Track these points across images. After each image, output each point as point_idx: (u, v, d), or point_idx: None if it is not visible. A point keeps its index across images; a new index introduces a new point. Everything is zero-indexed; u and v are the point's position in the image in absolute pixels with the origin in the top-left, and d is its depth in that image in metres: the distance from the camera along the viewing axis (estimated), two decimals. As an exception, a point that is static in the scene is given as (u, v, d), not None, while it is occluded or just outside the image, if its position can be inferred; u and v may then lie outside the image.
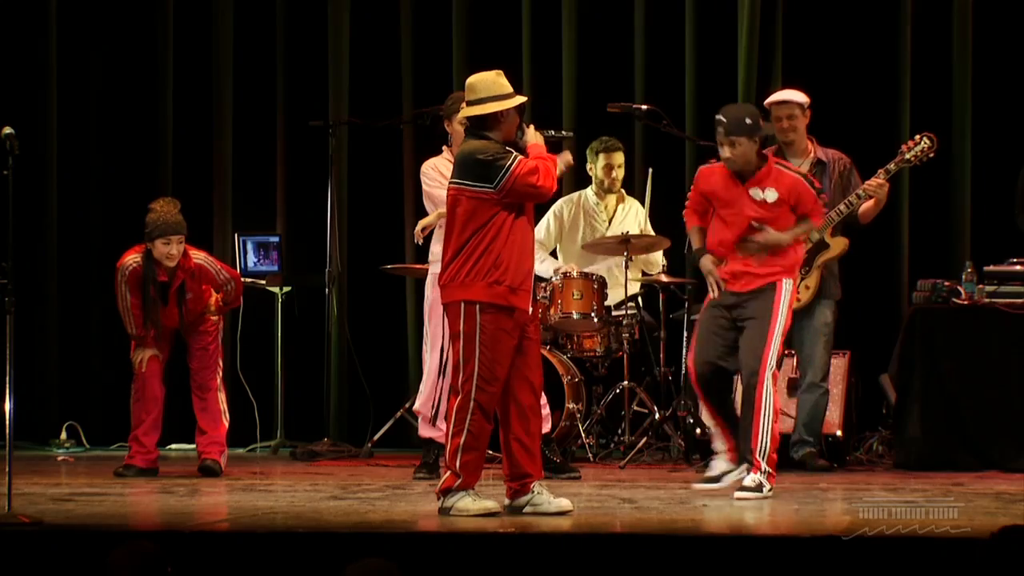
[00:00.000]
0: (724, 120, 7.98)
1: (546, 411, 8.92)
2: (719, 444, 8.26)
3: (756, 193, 8.01)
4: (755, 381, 7.85)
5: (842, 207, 9.22)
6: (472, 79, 7.25)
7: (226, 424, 9.34)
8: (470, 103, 7.19)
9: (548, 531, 6.74)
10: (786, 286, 8.02)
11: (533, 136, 7.23)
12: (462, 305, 7.01)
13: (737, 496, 7.73)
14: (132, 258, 9.12)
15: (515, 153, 7.06)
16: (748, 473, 7.84)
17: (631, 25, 11.09)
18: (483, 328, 6.99)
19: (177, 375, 9.53)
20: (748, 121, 7.96)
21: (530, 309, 7.08)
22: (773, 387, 7.88)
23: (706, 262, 8.14)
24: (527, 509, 7.13)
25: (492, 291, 7.00)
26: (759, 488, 7.74)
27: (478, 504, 7.04)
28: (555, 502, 7.13)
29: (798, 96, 9.39)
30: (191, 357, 9.31)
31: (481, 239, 7.01)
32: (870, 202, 9.24)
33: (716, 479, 8.12)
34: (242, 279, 9.61)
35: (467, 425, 7.00)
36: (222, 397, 9.36)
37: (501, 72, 7.24)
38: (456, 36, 11.28)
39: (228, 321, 10.68)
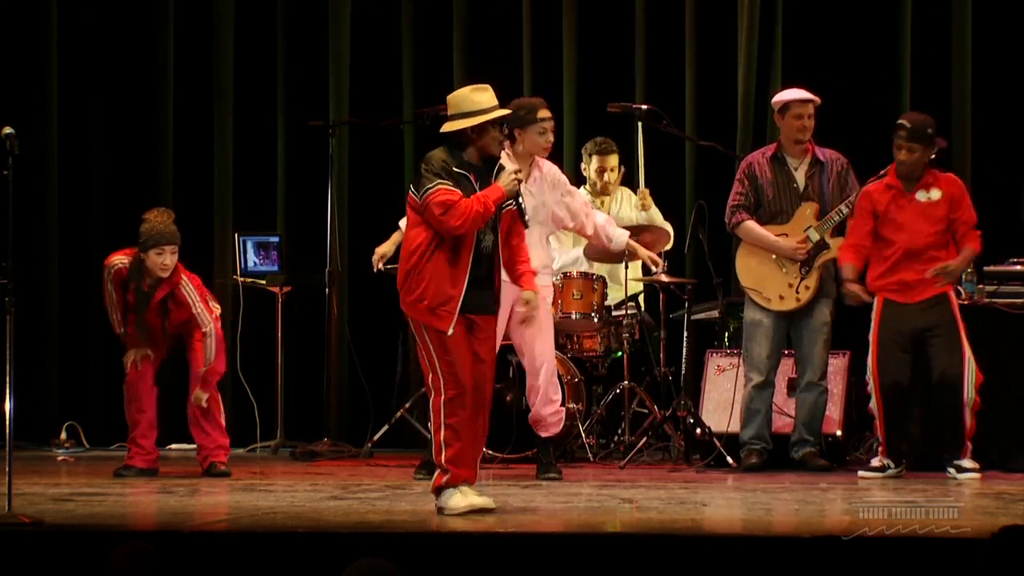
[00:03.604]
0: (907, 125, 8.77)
1: (560, 415, 8.94)
2: None
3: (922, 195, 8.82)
4: None
5: (843, 208, 9.23)
6: (451, 94, 7.35)
7: (223, 422, 9.33)
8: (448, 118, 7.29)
9: (548, 531, 6.74)
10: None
11: (506, 177, 7.21)
12: (410, 319, 7.20)
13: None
14: (119, 259, 9.13)
15: (441, 181, 7.08)
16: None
17: (631, 25, 11.09)
18: (428, 331, 7.12)
19: (177, 375, 9.52)
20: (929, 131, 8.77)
21: (451, 331, 7.08)
22: None
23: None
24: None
25: (415, 307, 7.15)
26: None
27: (466, 500, 7.09)
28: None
29: (814, 96, 9.41)
30: (189, 359, 9.26)
31: (418, 254, 7.14)
32: None
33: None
34: (217, 320, 9.34)
35: (443, 419, 7.09)
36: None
37: (481, 87, 7.28)
38: (456, 36, 11.29)
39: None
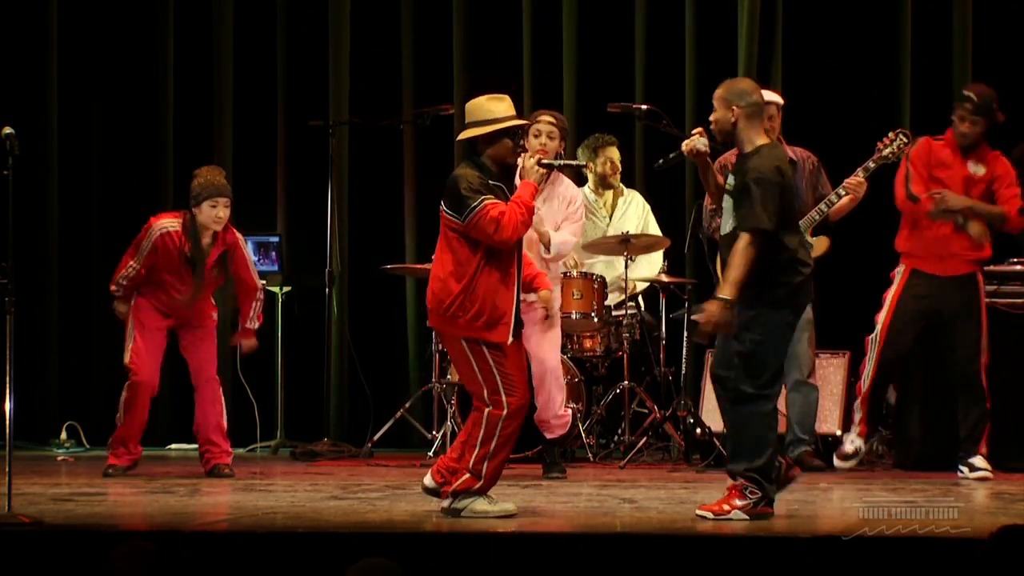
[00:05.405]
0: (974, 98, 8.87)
1: (565, 419, 8.99)
2: None
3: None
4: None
5: (823, 206, 9.22)
6: (468, 102, 7.30)
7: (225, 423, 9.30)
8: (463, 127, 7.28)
9: (548, 531, 6.74)
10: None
11: (527, 171, 7.23)
12: (461, 341, 7.06)
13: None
14: (169, 222, 9.02)
15: (487, 195, 6.99)
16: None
17: (631, 25, 11.10)
18: (490, 350, 7.03)
19: (175, 375, 9.51)
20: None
21: (510, 339, 7.05)
22: None
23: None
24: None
25: (471, 326, 7.03)
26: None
27: (497, 507, 7.04)
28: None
29: (777, 97, 9.38)
30: (189, 352, 9.21)
31: (469, 273, 7.02)
32: (846, 199, 9.24)
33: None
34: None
35: (499, 430, 6.99)
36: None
37: (498, 96, 7.20)
38: (456, 36, 11.29)
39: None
